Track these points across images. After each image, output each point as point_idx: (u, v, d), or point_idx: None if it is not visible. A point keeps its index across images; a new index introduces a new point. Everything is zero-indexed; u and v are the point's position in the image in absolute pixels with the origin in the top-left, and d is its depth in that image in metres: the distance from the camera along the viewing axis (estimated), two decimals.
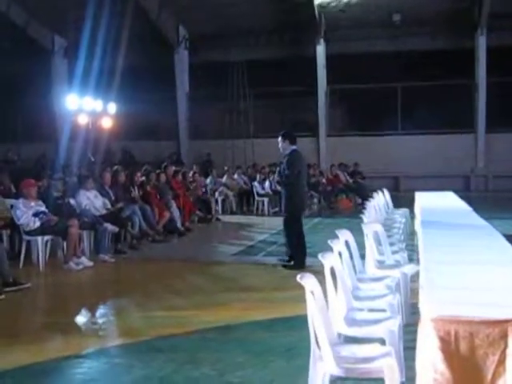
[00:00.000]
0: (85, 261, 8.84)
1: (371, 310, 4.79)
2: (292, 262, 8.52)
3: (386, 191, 11.29)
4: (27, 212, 8.70)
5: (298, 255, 8.49)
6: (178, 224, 11.87)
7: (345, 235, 5.43)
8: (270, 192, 16.11)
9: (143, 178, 12.07)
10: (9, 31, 20.99)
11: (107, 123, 18.80)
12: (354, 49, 21.26)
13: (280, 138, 8.64)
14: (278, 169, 9.77)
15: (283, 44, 21.92)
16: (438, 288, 3.64)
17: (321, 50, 21.62)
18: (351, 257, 5.36)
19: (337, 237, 5.15)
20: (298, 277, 3.56)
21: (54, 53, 23.13)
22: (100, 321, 6.36)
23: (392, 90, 21.66)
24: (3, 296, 7.01)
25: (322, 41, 21.50)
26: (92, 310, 6.61)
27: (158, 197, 11.84)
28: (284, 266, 8.55)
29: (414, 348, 4.42)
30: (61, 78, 23.02)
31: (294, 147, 8.59)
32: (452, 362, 3.01)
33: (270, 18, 20.92)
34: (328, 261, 4.32)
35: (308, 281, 3.55)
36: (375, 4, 20.08)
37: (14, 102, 22.97)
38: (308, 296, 3.51)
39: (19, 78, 22.33)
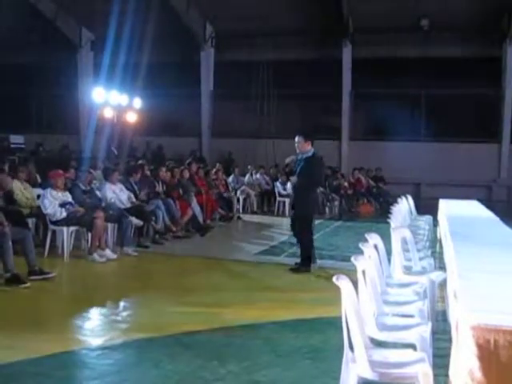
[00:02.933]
0: (108, 253, 8.89)
1: (396, 315, 4.77)
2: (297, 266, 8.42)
3: (409, 197, 11.24)
4: (54, 202, 8.79)
5: (307, 256, 8.43)
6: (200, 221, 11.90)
7: (374, 239, 5.41)
8: (292, 193, 16.10)
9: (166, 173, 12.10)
10: (37, 23, 21.18)
11: (132, 118, 18.90)
12: (380, 53, 21.12)
13: (301, 138, 8.25)
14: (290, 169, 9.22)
15: (309, 46, 21.84)
16: (473, 296, 3.61)
17: (347, 53, 21.53)
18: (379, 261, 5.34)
19: (362, 240, 5.11)
20: (334, 278, 3.55)
21: (81, 46, 23.25)
22: (125, 313, 6.41)
23: (417, 95, 21.52)
24: (29, 284, 7.09)
25: (348, 44, 21.41)
26: (117, 303, 6.68)
27: (181, 193, 11.88)
28: (292, 270, 8.42)
29: (440, 356, 4.45)
30: (87, 72, 23.15)
31: (313, 149, 8.35)
32: (490, 371, 2.98)
33: (297, 19, 20.85)
34: (360, 264, 4.29)
35: (343, 283, 3.54)
36: (404, 8, 19.96)
37: (39, 93, 23.21)
38: (344, 297, 3.50)
39: (45, 69, 22.52)
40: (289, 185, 15.97)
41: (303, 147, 8.30)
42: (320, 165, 8.53)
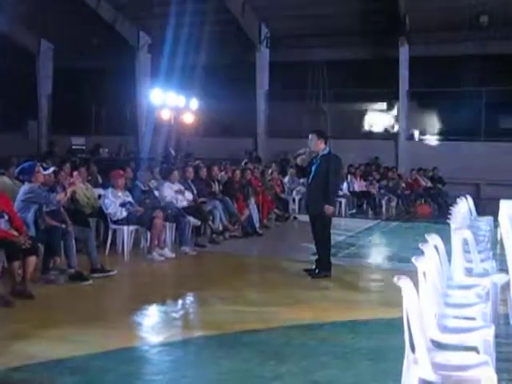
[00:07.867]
0: (167, 252, 9.03)
1: (457, 318, 4.69)
2: (317, 270, 8.14)
3: (469, 198, 11.00)
4: (115, 202, 8.99)
5: (326, 259, 8.20)
6: (257, 223, 11.90)
7: (434, 240, 5.33)
8: (348, 193, 16.05)
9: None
10: (97, 27, 21.70)
11: (189, 119, 19.14)
12: (437, 51, 20.74)
13: (314, 135, 8.07)
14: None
15: (365, 45, 21.64)
16: None
17: (404, 52, 21.22)
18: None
19: (420, 241, 5.02)
20: (395, 278, 3.52)
21: (139, 49, 23.68)
22: (184, 311, 6.52)
23: (476, 94, 21.02)
24: (91, 281, 7.29)
25: (405, 42, 21.10)
26: (176, 301, 6.79)
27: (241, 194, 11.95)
28: (307, 272, 8.19)
29: (503, 360, 4.36)
30: (145, 74, 23.55)
31: (328, 148, 8.15)
32: None
33: (352, 18, 20.68)
34: (421, 265, 4.24)
35: (405, 283, 3.51)
36: (462, 6, 19.55)
37: (98, 95, 23.80)
38: (405, 298, 3.47)
39: (104, 72, 23.09)
40: (345, 185, 15.97)
41: (317, 145, 8.09)
42: (337, 162, 8.33)
